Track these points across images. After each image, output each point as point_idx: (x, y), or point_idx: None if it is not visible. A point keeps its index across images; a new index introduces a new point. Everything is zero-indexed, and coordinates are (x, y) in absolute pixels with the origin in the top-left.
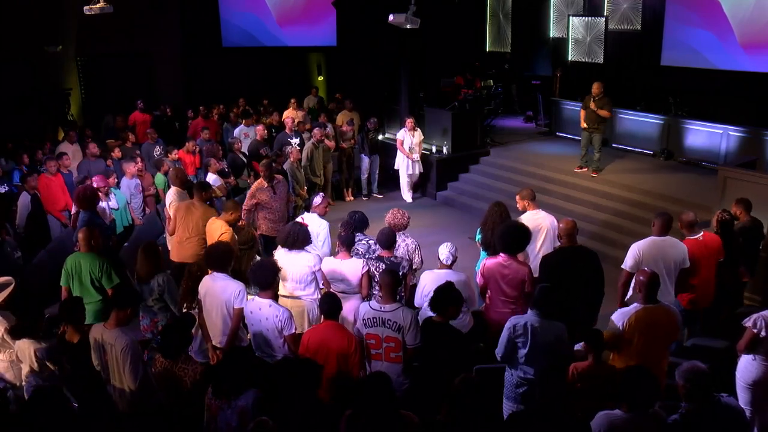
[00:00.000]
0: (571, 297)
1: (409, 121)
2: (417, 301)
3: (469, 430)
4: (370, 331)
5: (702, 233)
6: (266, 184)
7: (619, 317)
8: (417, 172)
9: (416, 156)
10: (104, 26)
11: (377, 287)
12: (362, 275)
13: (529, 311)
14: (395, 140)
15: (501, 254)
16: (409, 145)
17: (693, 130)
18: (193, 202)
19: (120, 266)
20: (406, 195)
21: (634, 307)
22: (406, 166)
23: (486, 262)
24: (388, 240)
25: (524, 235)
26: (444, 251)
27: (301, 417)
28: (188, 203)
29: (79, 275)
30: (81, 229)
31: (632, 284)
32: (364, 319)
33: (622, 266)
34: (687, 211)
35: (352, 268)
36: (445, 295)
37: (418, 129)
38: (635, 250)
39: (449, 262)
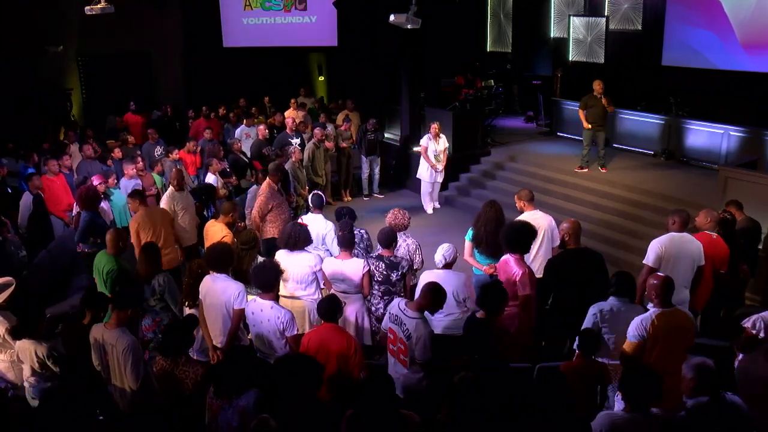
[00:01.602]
0: (574, 299)
1: (434, 127)
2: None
3: (469, 430)
4: (392, 326)
5: (715, 235)
6: (276, 188)
7: (638, 325)
8: (440, 180)
9: (440, 167)
10: (105, 26)
11: (377, 287)
12: (363, 275)
13: (611, 298)
14: (397, 141)
15: (507, 254)
16: (434, 153)
17: (694, 130)
18: (144, 209)
19: (127, 273)
20: (428, 206)
21: (653, 311)
22: (429, 175)
23: (501, 258)
24: (387, 239)
25: (526, 234)
26: (438, 254)
27: (301, 417)
28: (141, 213)
29: (100, 273)
30: (109, 230)
31: (645, 289)
32: (390, 313)
33: (644, 261)
34: (711, 209)
35: (353, 267)
36: (493, 292)
37: (443, 135)
38: (657, 245)
39: (441, 266)
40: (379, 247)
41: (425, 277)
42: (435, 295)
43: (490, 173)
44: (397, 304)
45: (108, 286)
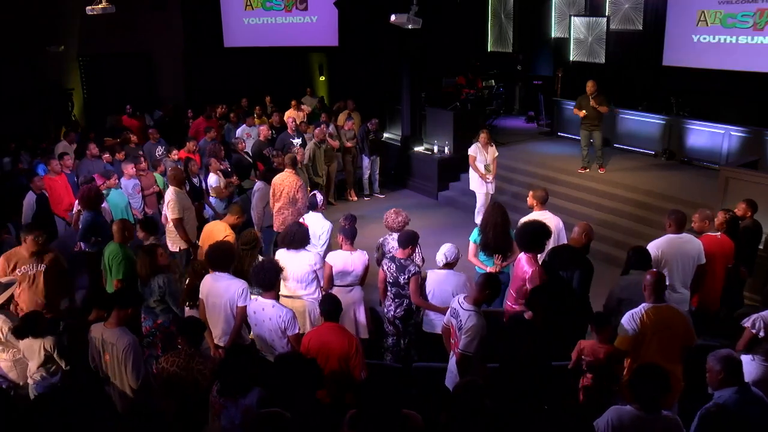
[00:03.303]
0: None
1: (484, 136)
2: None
3: (469, 430)
4: (451, 320)
5: (720, 233)
6: None
7: (629, 319)
8: (491, 191)
9: (491, 177)
10: (106, 26)
11: (390, 288)
12: (366, 266)
13: (632, 271)
14: (398, 141)
15: (521, 252)
16: (483, 163)
17: (694, 130)
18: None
19: (133, 262)
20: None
21: (644, 306)
22: (479, 185)
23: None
24: (403, 241)
25: (541, 234)
26: (439, 254)
27: (301, 417)
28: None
29: (107, 262)
30: (115, 221)
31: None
32: (451, 307)
33: None
34: (703, 209)
35: (360, 259)
36: (542, 295)
37: (493, 144)
38: (652, 248)
39: (441, 265)
40: (397, 248)
41: (428, 278)
42: (489, 286)
43: None
44: (457, 298)
45: (113, 272)
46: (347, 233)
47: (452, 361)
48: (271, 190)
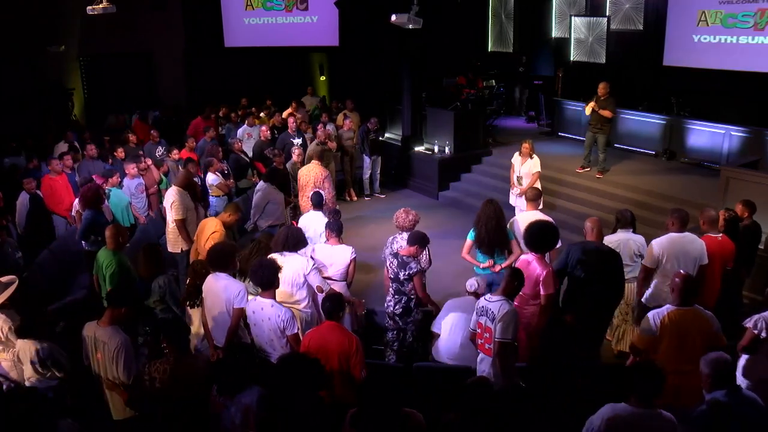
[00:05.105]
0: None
1: (525, 146)
2: (434, 327)
3: (473, 430)
4: (479, 320)
5: (721, 234)
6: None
7: (651, 319)
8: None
9: (517, 190)
10: (106, 26)
11: (391, 284)
12: (350, 261)
13: (619, 231)
14: (398, 141)
15: (530, 253)
16: (516, 174)
17: (695, 130)
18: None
19: (127, 269)
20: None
21: (667, 308)
22: (510, 195)
23: (520, 258)
24: (411, 239)
25: (551, 234)
26: (471, 280)
27: (303, 417)
28: None
29: (101, 269)
30: (108, 227)
31: (667, 285)
32: (477, 307)
33: (642, 262)
34: (708, 209)
35: (341, 254)
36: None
37: (536, 156)
38: (654, 246)
39: (472, 290)
40: (404, 246)
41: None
42: (517, 278)
43: (491, 173)
44: (483, 297)
45: (107, 282)
46: (332, 227)
47: (480, 366)
48: (298, 181)
